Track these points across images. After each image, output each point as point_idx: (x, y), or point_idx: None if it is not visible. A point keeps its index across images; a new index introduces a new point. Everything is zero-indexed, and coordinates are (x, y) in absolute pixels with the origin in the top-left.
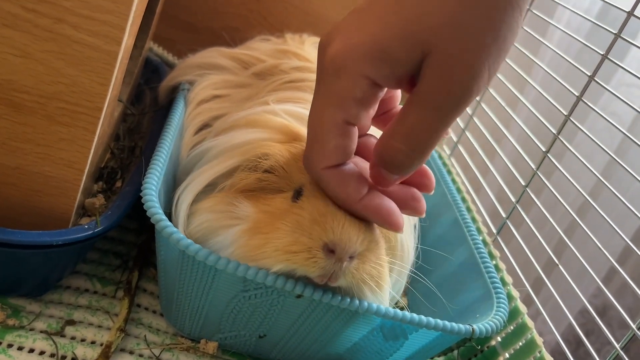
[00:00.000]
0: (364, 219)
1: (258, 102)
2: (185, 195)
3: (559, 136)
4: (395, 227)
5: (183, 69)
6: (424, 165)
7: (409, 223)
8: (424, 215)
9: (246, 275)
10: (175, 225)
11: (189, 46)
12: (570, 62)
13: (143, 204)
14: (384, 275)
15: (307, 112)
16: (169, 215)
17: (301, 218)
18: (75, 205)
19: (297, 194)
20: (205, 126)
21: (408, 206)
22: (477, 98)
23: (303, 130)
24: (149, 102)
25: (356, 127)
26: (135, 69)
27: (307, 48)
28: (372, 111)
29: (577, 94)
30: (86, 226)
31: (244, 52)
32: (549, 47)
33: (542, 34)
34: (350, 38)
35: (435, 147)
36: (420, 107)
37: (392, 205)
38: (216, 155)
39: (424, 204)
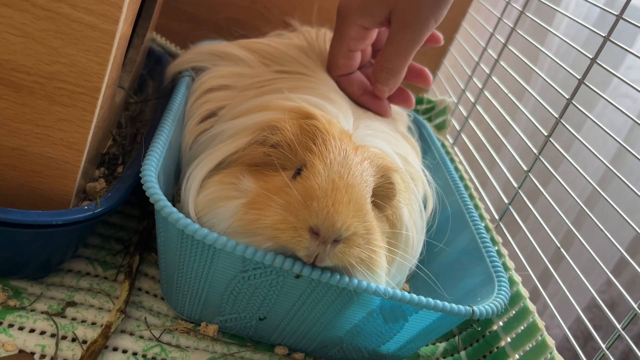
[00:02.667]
0: (358, 203)
1: (270, 89)
2: (198, 172)
3: (562, 120)
4: (383, 112)
5: (196, 54)
6: (406, 90)
7: (419, 214)
8: (411, 107)
9: (244, 254)
10: (185, 201)
11: (192, 37)
12: (574, 46)
13: (142, 185)
14: (376, 260)
15: (320, 100)
16: (170, 198)
17: (291, 198)
18: (75, 187)
19: (297, 173)
20: (211, 115)
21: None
22: (480, 86)
23: (316, 111)
24: (152, 91)
25: (357, 52)
26: (137, 57)
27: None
28: (367, 42)
29: (578, 77)
30: (86, 207)
31: (257, 41)
32: (555, 35)
33: (550, 20)
34: None
35: (405, 67)
36: (391, 43)
37: (383, 101)
38: (230, 136)
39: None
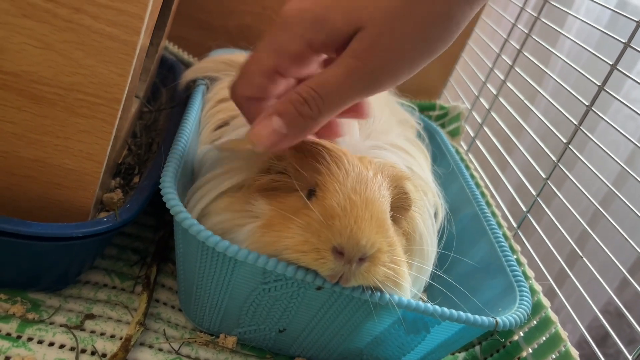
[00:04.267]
0: (380, 219)
1: None
2: (202, 198)
3: (581, 127)
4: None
5: (210, 62)
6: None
7: (431, 224)
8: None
9: (266, 266)
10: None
11: (203, 45)
12: (589, 51)
13: (162, 196)
14: (402, 273)
15: None
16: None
17: (311, 219)
18: (94, 199)
19: (310, 194)
20: (224, 124)
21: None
22: (494, 92)
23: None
24: (165, 100)
25: (282, 76)
26: (152, 67)
27: None
28: (302, 69)
29: (598, 84)
30: (105, 219)
31: None
32: (567, 37)
33: (561, 25)
34: (303, 2)
35: (335, 107)
36: (339, 66)
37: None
38: (233, 165)
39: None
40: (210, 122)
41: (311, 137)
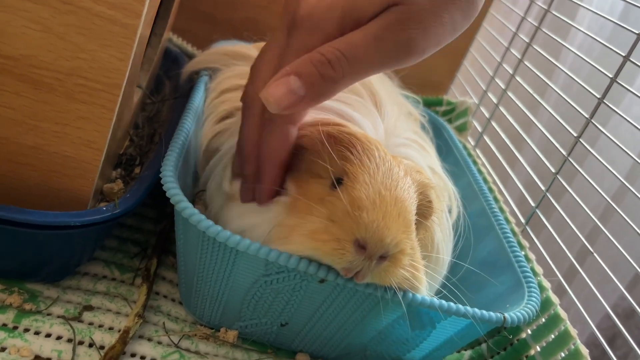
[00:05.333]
0: (407, 219)
1: None
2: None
3: (592, 120)
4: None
5: (213, 54)
6: None
7: (448, 233)
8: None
9: (268, 257)
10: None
11: (208, 38)
12: (602, 43)
13: (162, 185)
14: (420, 279)
15: (344, 107)
16: (189, 200)
17: (336, 208)
18: (93, 187)
19: (337, 182)
20: (228, 115)
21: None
22: (503, 87)
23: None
24: (169, 92)
25: None
26: (155, 57)
27: None
28: None
29: (611, 76)
30: (105, 208)
31: None
32: (579, 29)
33: (572, 18)
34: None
35: (359, 73)
36: (368, 32)
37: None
38: None
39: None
40: (214, 113)
41: (343, 124)
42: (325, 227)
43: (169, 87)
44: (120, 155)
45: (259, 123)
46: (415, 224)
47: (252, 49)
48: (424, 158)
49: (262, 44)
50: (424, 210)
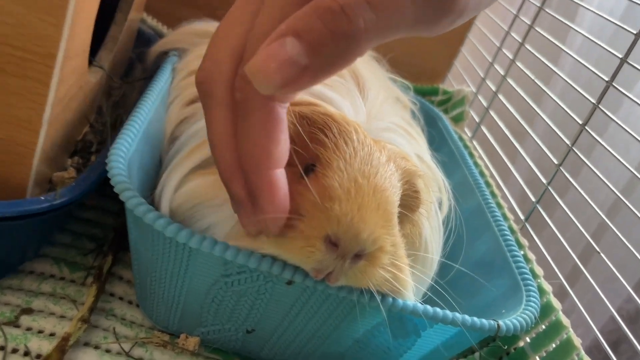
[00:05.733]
0: (387, 211)
1: None
2: (179, 168)
3: (600, 106)
4: None
5: (178, 34)
6: None
7: (438, 229)
8: None
9: (225, 255)
10: (159, 198)
11: (185, 19)
12: (614, 22)
13: (107, 172)
14: (404, 282)
15: (321, 87)
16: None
17: (304, 199)
18: (31, 174)
19: (308, 170)
20: (197, 99)
21: None
22: (502, 73)
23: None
24: (139, 75)
25: None
26: (120, 36)
27: None
28: None
29: (620, 56)
30: (43, 198)
31: None
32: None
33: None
34: None
35: (388, 28)
36: None
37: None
38: None
39: None
40: (181, 96)
41: (318, 103)
42: (291, 222)
43: (140, 70)
44: (78, 142)
45: (228, 114)
46: (400, 217)
47: None
48: (411, 145)
49: None
50: (410, 201)
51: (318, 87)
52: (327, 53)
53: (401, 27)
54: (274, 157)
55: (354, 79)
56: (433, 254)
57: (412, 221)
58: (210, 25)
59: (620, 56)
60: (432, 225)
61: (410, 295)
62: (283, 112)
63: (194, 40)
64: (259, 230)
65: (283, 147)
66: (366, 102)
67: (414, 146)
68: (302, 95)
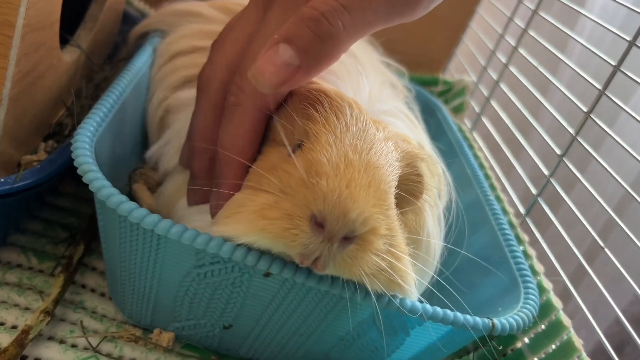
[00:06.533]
0: (381, 189)
1: None
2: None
3: (606, 92)
4: None
5: (159, 15)
6: None
7: (440, 219)
8: None
9: (194, 243)
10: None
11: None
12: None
13: (71, 152)
14: (402, 271)
15: None
16: (125, 178)
17: (290, 176)
18: None
19: (297, 148)
20: (183, 85)
21: None
22: (504, 61)
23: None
24: (123, 57)
25: None
26: (100, 14)
27: None
28: None
29: (628, 39)
30: (2, 180)
31: (235, 2)
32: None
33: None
34: None
35: (363, 26)
36: None
37: None
38: None
39: None
40: (168, 80)
41: (315, 81)
42: (273, 201)
43: (125, 53)
44: (54, 125)
45: (214, 110)
46: (401, 203)
47: (207, 8)
48: (412, 132)
49: (219, 1)
50: (413, 186)
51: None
52: (315, 53)
53: (377, 21)
54: (245, 154)
55: (353, 62)
56: (437, 241)
57: (415, 208)
58: (191, 5)
59: (628, 39)
60: (434, 215)
61: (413, 290)
62: (264, 119)
63: (175, 21)
64: (202, 200)
65: (254, 147)
66: (367, 83)
67: (416, 134)
68: None
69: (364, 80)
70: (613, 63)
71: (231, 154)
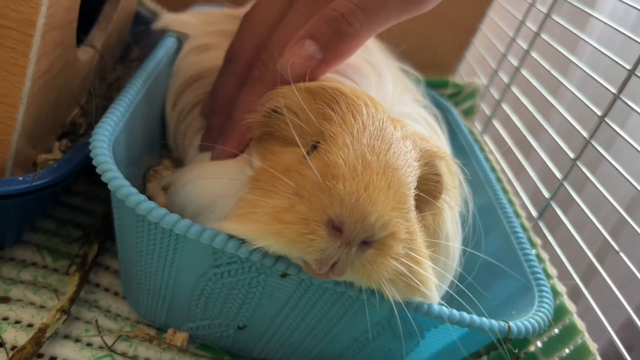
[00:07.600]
0: (400, 192)
1: None
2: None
3: (621, 96)
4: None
5: (191, 17)
6: None
7: (456, 217)
8: None
9: (212, 243)
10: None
11: (187, 3)
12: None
13: (90, 151)
14: (423, 277)
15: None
16: (140, 176)
17: (305, 179)
18: (10, 152)
19: (312, 149)
20: (199, 77)
21: None
22: (515, 64)
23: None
24: (135, 57)
25: None
26: (114, 14)
27: None
28: None
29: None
30: (21, 179)
31: None
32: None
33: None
34: None
35: (378, 23)
36: None
37: None
38: None
39: None
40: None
41: (330, 77)
42: (289, 204)
43: (137, 53)
44: (69, 124)
45: (238, 79)
46: (420, 204)
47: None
48: (428, 131)
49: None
50: (432, 186)
51: (335, 77)
52: (335, 48)
53: (389, 19)
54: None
55: (372, 67)
56: (454, 247)
57: (435, 210)
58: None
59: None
60: (453, 216)
61: (434, 295)
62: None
63: (200, 28)
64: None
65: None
66: (390, 86)
67: (436, 141)
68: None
69: (388, 83)
70: (628, 67)
71: (242, 120)
